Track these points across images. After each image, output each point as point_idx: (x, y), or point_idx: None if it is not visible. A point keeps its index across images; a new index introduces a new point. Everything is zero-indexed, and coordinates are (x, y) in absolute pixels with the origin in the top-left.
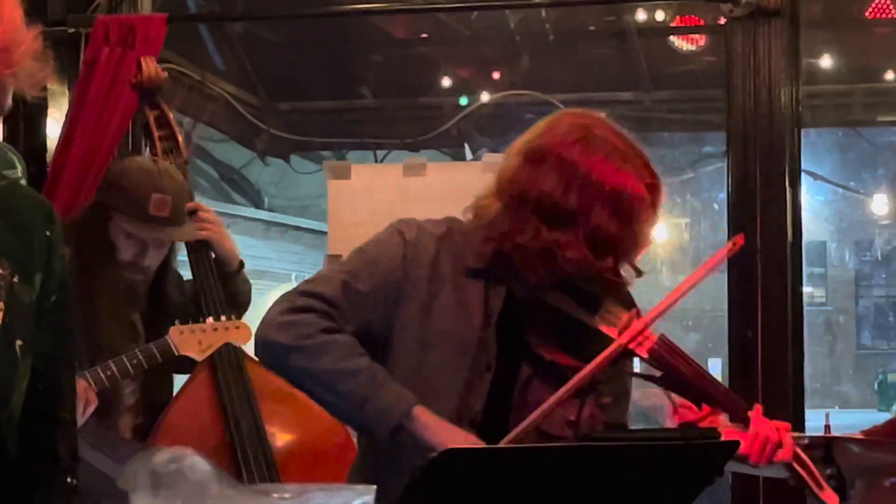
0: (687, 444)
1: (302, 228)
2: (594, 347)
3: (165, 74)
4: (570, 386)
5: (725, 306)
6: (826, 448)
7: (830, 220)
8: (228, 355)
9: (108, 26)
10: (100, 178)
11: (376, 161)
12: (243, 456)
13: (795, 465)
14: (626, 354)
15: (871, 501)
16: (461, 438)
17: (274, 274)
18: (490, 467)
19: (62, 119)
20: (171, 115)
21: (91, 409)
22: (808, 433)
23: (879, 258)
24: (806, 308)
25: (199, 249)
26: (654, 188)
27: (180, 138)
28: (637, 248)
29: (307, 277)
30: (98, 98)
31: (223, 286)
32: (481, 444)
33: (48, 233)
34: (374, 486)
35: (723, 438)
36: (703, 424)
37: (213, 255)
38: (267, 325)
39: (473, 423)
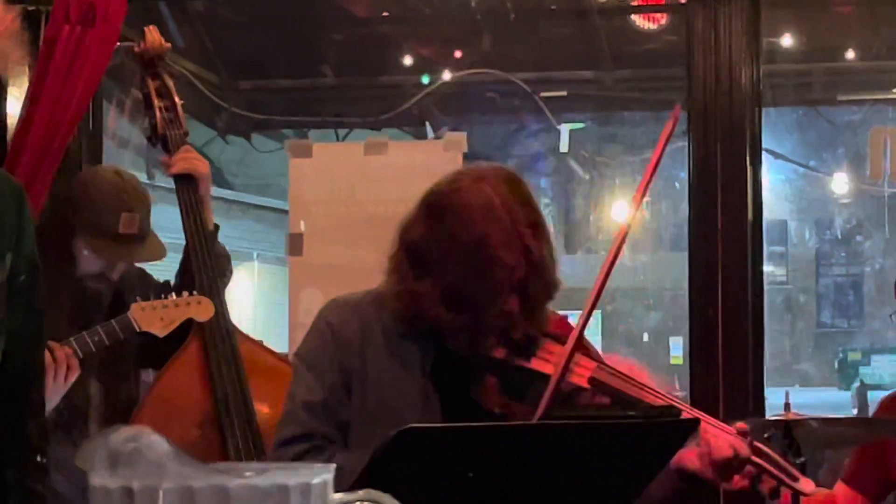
0: (646, 423)
1: (263, 207)
2: (541, 389)
3: (169, 45)
4: None
5: (686, 285)
6: (786, 427)
7: (791, 199)
8: (219, 329)
9: (68, 4)
10: (59, 157)
11: (338, 140)
12: (230, 430)
13: (756, 458)
14: (573, 389)
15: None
16: None
17: (236, 253)
18: (449, 446)
19: (22, 97)
20: (172, 86)
21: (73, 376)
22: (768, 413)
23: (839, 237)
24: (766, 287)
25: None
26: (528, 251)
27: (181, 110)
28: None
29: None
30: (58, 76)
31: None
32: None
33: (19, 213)
34: (334, 465)
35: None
36: None
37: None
38: None
39: None
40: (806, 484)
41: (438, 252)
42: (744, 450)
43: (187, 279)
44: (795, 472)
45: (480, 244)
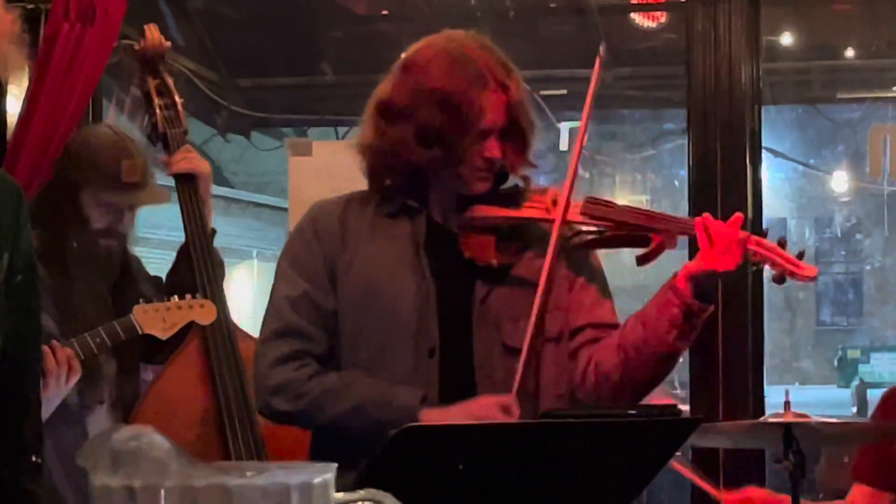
0: (647, 421)
1: (263, 205)
2: (533, 238)
3: (169, 44)
4: (544, 283)
5: None
6: (786, 426)
7: (791, 196)
8: (219, 328)
9: (67, 2)
10: (59, 155)
11: (337, 138)
12: (230, 427)
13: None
14: (574, 232)
15: (832, 477)
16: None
17: (235, 251)
18: (450, 445)
19: (22, 96)
20: (172, 84)
21: (74, 378)
22: (767, 411)
23: (839, 235)
24: (766, 285)
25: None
26: (504, 87)
27: (181, 108)
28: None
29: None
30: (58, 75)
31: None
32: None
33: (16, 212)
34: (335, 464)
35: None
36: (655, 249)
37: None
38: (262, 391)
39: (433, 353)
40: (807, 269)
41: (408, 99)
42: (740, 233)
43: (179, 279)
44: (794, 259)
45: (449, 85)
